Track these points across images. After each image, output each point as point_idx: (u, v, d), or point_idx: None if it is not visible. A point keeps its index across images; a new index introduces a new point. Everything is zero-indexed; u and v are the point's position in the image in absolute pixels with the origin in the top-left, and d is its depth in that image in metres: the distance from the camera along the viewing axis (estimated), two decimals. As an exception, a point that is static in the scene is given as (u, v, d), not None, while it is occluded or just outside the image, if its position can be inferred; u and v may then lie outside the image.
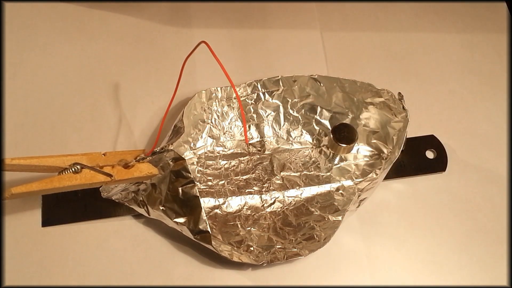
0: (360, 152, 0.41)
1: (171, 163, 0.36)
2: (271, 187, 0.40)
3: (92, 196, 0.38)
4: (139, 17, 0.48)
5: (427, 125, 0.43)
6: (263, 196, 0.40)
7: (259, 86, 0.41)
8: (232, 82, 0.38)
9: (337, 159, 0.41)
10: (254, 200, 0.39)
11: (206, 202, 0.39)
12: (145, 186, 0.37)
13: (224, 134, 0.41)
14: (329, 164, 0.41)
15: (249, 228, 0.38)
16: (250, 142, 0.42)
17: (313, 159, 0.41)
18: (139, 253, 0.38)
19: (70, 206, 0.38)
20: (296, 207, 0.39)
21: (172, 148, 0.36)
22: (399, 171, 0.41)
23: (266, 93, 0.42)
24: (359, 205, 0.39)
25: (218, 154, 0.41)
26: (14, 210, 0.38)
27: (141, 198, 0.36)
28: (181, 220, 0.35)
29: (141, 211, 0.37)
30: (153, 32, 0.47)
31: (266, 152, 0.42)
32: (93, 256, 0.37)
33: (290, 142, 0.42)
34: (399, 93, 0.38)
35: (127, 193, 0.37)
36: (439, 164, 0.41)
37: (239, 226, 0.38)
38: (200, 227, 0.34)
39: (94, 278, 0.37)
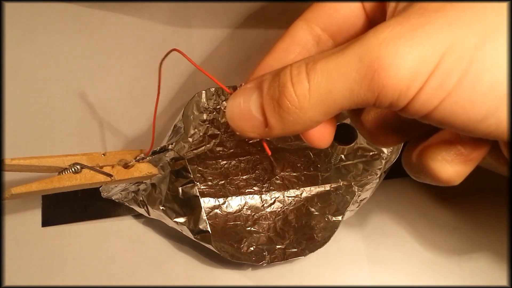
0: (360, 152, 0.41)
1: (171, 163, 0.36)
2: (271, 187, 0.40)
3: (92, 196, 0.38)
4: (139, 17, 0.48)
5: (427, 125, 0.43)
6: (263, 196, 0.40)
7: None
8: (219, 83, 0.38)
9: (337, 159, 0.40)
10: (254, 200, 0.39)
11: (206, 202, 0.39)
12: (145, 186, 0.37)
13: (224, 134, 0.41)
14: (329, 164, 0.41)
15: (249, 228, 0.38)
16: (250, 142, 0.42)
17: (312, 159, 0.41)
18: (139, 253, 0.38)
19: (70, 206, 0.38)
20: (296, 207, 0.39)
21: (172, 148, 0.36)
22: (399, 171, 0.41)
23: (266, 93, 0.41)
24: (359, 205, 0.39)
25: (218, 154, 0.41)
26: (14, 210, 0.38)
27: (141, 198, 0.36)
28: (181, 220, 0.35)
29: (141, 211, 0.37)
30: (153, 32, 0.47)
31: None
32: (93, 256, 0.37)
33: (290, 142, 0.42)
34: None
35: (127, 193, 0.37)
36: (439, 164, 0.41)
37: (239, 226, 0.38)
38: (200, 227, 0.34)
39: (94, 278, 0.37)
